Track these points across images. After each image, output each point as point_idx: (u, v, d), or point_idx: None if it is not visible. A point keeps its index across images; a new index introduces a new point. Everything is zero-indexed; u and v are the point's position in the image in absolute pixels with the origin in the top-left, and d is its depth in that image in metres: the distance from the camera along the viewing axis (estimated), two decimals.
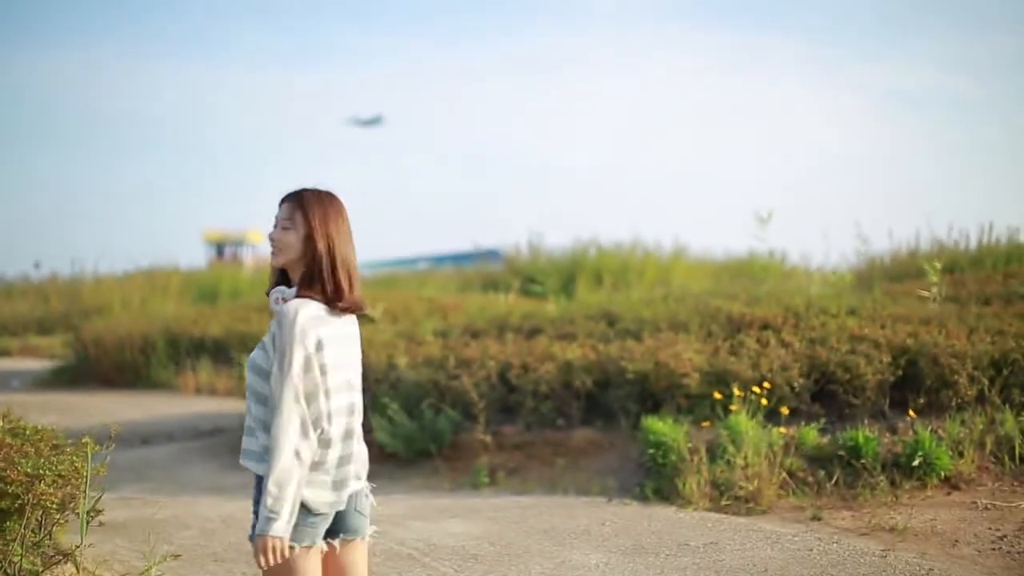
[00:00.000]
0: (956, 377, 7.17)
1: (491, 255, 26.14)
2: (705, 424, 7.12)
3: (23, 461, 4.42)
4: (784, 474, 6.66)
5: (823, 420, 7.17)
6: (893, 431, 7.03)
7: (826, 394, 7.40)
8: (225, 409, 11.10)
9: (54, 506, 4.51)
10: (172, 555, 5.10)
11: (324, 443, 2.90)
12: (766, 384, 7.20)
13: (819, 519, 6.19)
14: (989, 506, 6.32)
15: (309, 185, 3.06)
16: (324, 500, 2.93)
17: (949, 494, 6.58)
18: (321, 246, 2.97)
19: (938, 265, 9.35)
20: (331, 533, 3.00)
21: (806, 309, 8.31)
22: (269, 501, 2.76)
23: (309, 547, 2.91)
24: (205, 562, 5.66)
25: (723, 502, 6.52)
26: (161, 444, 9.67)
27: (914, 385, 7.38)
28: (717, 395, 7.19)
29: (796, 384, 7.29)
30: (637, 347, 7.80)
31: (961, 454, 6.77)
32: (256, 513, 2.85)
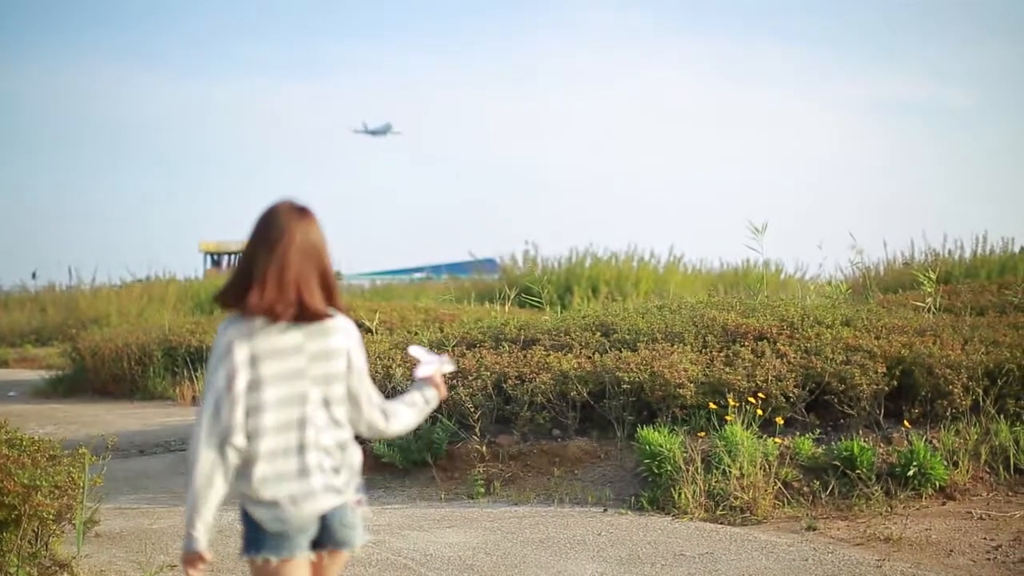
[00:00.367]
0: (951, 387, 7.19)
1: (488, 265, 26.17)
2: (700, 434, 7.13)
3: (20, 472, 4.43)
4: (779, 484, 6.68)
5: (818, 430, 7.19)
6: (888, 441, 7.06)
7: (821, 404, 7.42)
8: None
9: (51, 517, 4.52)
10: (168, 565, 5.11)
11: (248, 460, 2.84)
12: (761, 395, 7.22)
13: (814, 529, 6.21)
14: (984, 516, 6.34)
15: (283, 198, 2.92)
16: (270, 517, 2.85)
17: (944, 504, 6.60)
18: (240, 261, 2.91)
19: (933, 275, 9.37)
20: (319, 544, 2.94)
21: (801, 320, 8.34)
22: (186, 518, 2.82)
23: (288, 560, 2.87)
24: None
25: (718, 512, 6.54)
26: (158, 454, 9.66)
27: (909, 395, 7.41)
28: (712, 405, 7.20)
29: (791, 394, 7.31)
30: (633, 358, 7.82)
31: (956, 464, 6.79)
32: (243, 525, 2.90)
